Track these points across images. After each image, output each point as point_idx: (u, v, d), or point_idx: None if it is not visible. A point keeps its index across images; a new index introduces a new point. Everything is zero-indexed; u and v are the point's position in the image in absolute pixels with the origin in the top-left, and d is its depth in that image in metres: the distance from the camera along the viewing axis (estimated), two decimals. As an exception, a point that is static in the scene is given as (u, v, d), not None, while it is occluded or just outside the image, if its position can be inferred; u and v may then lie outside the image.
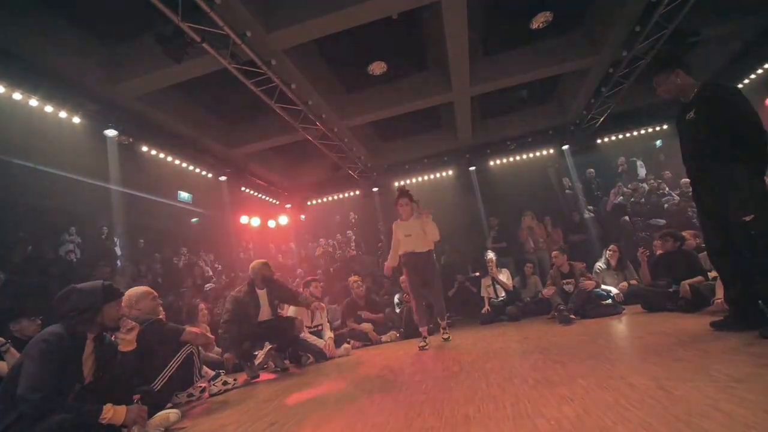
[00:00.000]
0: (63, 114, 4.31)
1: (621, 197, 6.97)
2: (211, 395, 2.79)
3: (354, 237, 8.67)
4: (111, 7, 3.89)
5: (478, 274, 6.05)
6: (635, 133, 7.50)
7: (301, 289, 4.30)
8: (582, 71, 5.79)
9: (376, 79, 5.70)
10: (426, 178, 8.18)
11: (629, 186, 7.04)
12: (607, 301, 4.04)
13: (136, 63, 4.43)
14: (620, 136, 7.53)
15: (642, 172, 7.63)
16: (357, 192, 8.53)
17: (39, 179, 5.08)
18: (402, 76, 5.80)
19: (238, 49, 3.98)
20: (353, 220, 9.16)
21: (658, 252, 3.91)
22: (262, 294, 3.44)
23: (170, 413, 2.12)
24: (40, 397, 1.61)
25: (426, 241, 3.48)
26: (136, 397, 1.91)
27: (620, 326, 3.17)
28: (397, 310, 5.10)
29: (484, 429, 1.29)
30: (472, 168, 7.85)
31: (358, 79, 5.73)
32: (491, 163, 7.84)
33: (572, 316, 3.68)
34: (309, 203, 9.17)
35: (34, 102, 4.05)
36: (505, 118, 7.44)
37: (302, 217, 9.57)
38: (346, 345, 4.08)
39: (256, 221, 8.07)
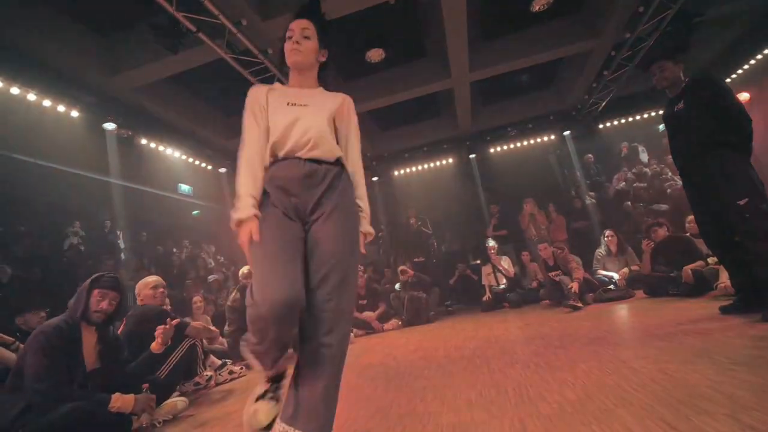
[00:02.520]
0: (61, 108, 4.27)
1: (623, 183, 6.92)
2: (218, 384, 2.84)
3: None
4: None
5: (479, 262, 6.07)
6: (638, 118, 7.39)
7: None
8: (584, 54, 5.68)
9: (375, 67, 5.60)
10: (426, 166, 8.13)
11: (634, 170, 6.98)
12: (609, 287, 4.05)
13: (132, 54, 4.36)
14: (622, 121, 7.42)
15: (644, 157, 7.56)
16: (358, 182, 8.50)
17: (40, 174, 5.07)
18: (400, 63, 5.71)
19: (234, 38, 3.90)
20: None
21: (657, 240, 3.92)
22: None
23: (178, 401, 2.17)
24: (46, 387, 1.65)
25: (334, 145, 1.28)
26: (145, 386, 1.95)
27: (622, 311, 3.19)
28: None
29: (487, 413, 1.31)
30: (473, 155, 7.79)
31: (356, 67, 5.64)
32: (491, 150, 7.77)
33: (579, 305, 3.63)
34: (309, 194, 9.15)
35: (32, 96, 4.02)
36: (506, 104, 7.34)
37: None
38: (349, 334, 4.13)
39: (257, 213, 8.05)
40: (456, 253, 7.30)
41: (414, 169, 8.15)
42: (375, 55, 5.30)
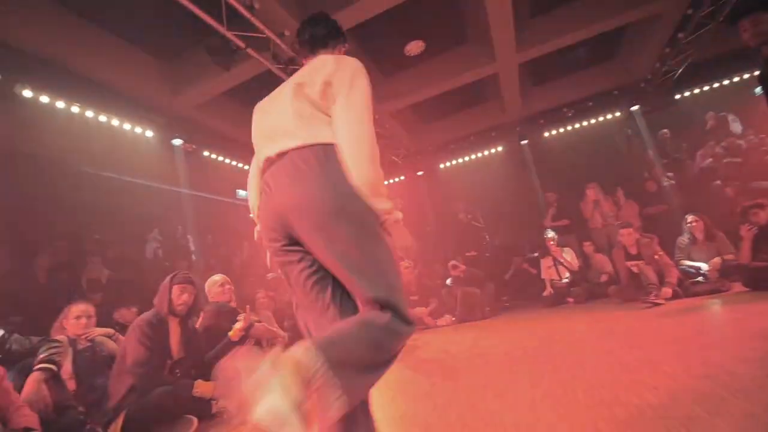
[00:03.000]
0: (138, 129, 4.96)
1: (710, 159, 5.98)
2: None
3: (402, 222, 8.68)
4: (164, 26, 4.26)
5: (537, 254, 5.69)
6: (725, 83, 6.33)
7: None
8: (653, 17, 4.99)
9: (414, 59, 5.52)
10: (473, 157, 7.83)
11: (723, 144, 6.00)
12: (698, 279, 3.53)
13: (190, 76, 4.83)
14: (705, 88, 6.42)
15: (737, 127, 6.44)
16: (402, 177, 8.48)
17: (123, 187, 5.81)
18: (441, 53, 5.54)
19: (279, 49, 4.12)
20: (400, 206, 9.16)
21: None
22: None
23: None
24: (145, 371, 1.93)
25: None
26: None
27: (715, 307, 2.76)
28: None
29: (554, 414, 1.21)
30: (524, 141, 7.32)
31: (395, 61, 5.60)
32: (546, 134, 7.22)
33: (659, 301, 3.19)
34: (356, 192, 9.35)
35: (115, 121, 4.73)
36: (560, 84, 6.75)
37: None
38: (401, 329, 4.13)
39: (309, 213, 8.45)
40: (511, 246, 6.94)
41: (461, 160, 7.89)
42: (414, 47, 5.22)
